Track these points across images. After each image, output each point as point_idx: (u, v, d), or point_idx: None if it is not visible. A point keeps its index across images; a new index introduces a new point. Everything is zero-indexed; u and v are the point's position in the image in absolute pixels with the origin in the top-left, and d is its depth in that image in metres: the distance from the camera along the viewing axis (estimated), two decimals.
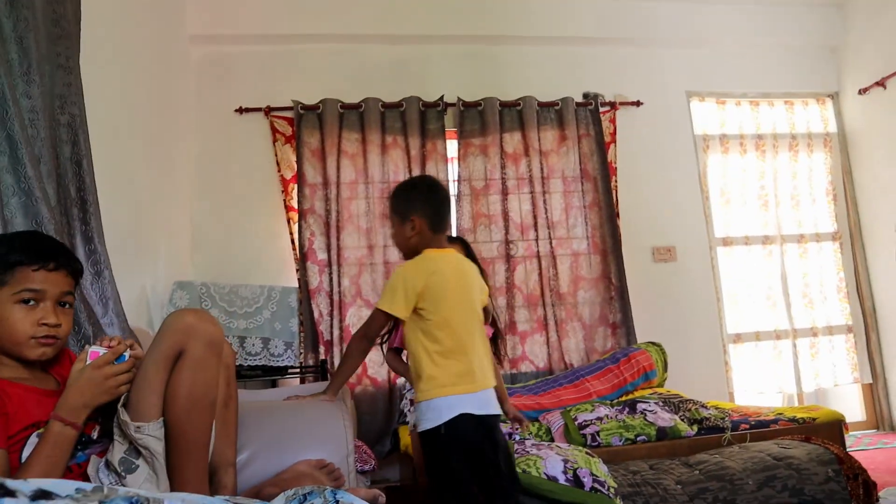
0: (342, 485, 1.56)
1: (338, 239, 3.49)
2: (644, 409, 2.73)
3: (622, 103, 3.96)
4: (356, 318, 3.41)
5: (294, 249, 3.52)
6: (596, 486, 2.02)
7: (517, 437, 2.65)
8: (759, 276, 3.99)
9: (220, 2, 3.61)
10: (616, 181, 3.85)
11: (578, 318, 3.66)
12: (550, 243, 3.68)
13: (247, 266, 3.48)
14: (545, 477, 2.02)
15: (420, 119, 3.68)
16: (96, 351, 1.23)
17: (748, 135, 4.10)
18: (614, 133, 3.91)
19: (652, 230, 3.90)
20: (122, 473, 1.22)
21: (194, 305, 2.83)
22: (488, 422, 1.77)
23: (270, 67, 3.72)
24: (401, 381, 3.27)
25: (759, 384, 3.90)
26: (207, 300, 2.90)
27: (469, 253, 2.32)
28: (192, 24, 3.54)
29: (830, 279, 4.06)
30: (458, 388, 1.72)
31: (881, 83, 3.94)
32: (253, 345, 2.92)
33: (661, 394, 3.09)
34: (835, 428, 2.72)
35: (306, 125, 3.59)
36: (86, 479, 1.23)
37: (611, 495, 2.02)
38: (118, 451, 1.23)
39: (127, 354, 1.24)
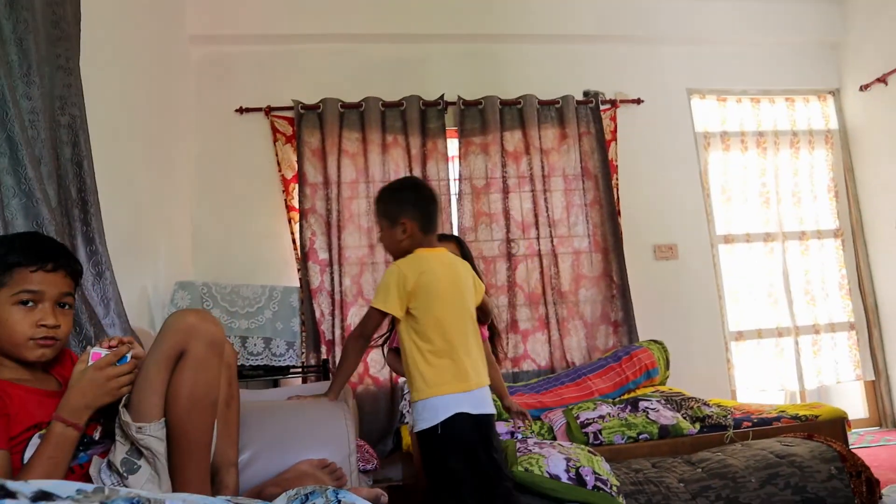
0: (344, 484, 1.56)
1: (339, 238, 3.49)
2: (646, 408, 2.72)
3: (623, 101, 3.95)
4: (358, 317, 3.41)
5: (295, 249, 3.52)
6: (598, 484, 2.02)
7: (519, 436, 2.65)
8: (761, 273, 3.98)
9: (220, 2, 3.61)
10: (617, 179, 3.85)
11: (580, 316, 3.66)
12: (552, 241, 3.68)
13: (248, 266, 3.48)
14: (547, 475, 2.02)
15: (420, 118, 3.68)
16: (98, 352, 1.23)
17: (749, 132, 4.09)
18: (615, 131, 3.91)
19: (653, 228, 3.90)
20: (124, 474, 1.22)
21: (196, 306, 2.83)
22: (484, 420, 1.77)
23: (270, 67, 3.72)
24: (402, 380, 3.27)
25: (761, 382, 3.89)
26: (209, 300, 2.90)
27: (464, 251, 2.31)
28: (192, 24, 3.54)
29: (832, 276, 4.06)
30: (452, 387, 1.72)
31: (882, 79, 3.93)
32: (255, 345, 2.92)
33: (663, 392, 3.09)
34: (837, 425, 2.71)
35: (307, 125, 3.59)
36: (88, 479, 1.24)
37: (613, 494, 2.02)
38: (120, 451, 1.23)
39: (129, 356, 1.24)
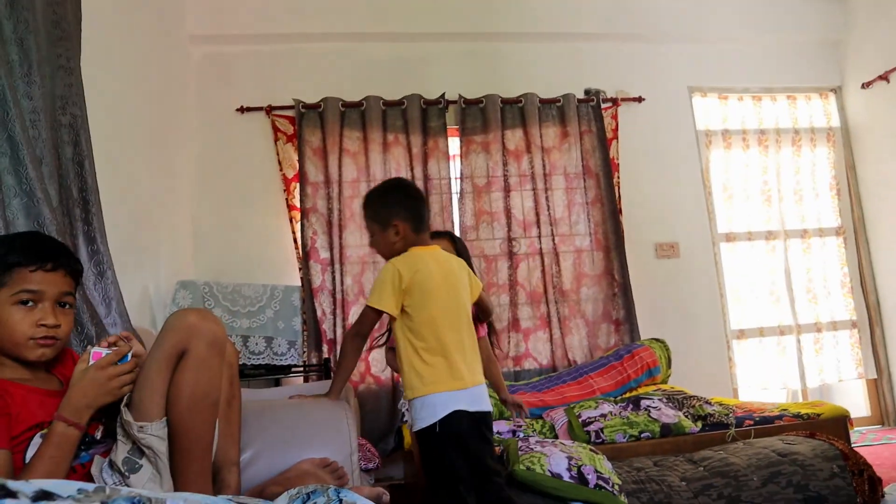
0: (346, 483, 1.56)
1: (340, 237, 3.49)
2: (648, 406, 2.72)
3: (624, 99, 3.95)
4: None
5: (297, 248, 3.52)
6: (600, 483, 2.02)
7: (521, 435, 2.65)
8: (763, 271, 3.97)
9: (221, 2, 3.61)
10: (618, 177, 3.84)
11: (581, 314, 3.65)
12: (553, 240, 3.68)
13: (249, 265, 3.48)
14: (549, 474, 2.02)
15: (421, 117, 3.68)
16: (99, 352, 1.23)
17: (751, 130, 4.08)
18: (616, 129, 3.90)
19: (654, 226, 3.89)
20: (126, 473, 1.22)
21: (197, 305, 2.83)
22: (481, 418, 1.78)
23: (271, 66, 3.72)
24: None
25: (762, 380, 3.89)
26: (210, 300, 2.90)
27: (458, 247, 2.30)
28: (193, 24, 3.54)
29: (834, 274, 4.05)
30: (447, 385, 1.72)
31: (884, 77, 3.92)
32: (256, 344, 2.92)
33: (664, 390, 3.09)
34: (839, 423, 2.71)
35: (308, 124, 3.59)
36: (89, 479, 1.24)
37: (615, 492, 2.01)
38: (122, 450, 1.23)
39: (130, 355, 1.25)
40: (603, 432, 2.58)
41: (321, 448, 1.63)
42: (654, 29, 4.00)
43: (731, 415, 2.73)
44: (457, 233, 3.58)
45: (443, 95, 3.72)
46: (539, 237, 3.67)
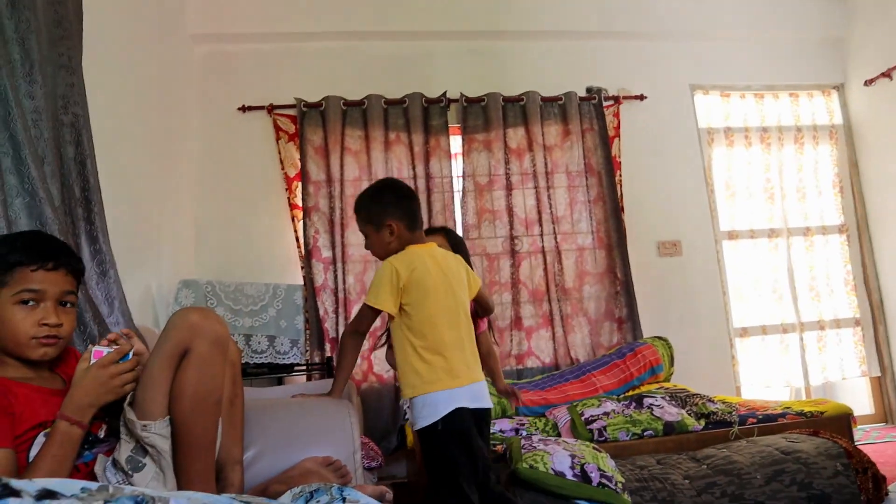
0: (349, 482, 1.56)
1: (342, 236, 3.49)
2: (651, 404, 2.72)
3: (626, 97, 3.94)
4: None
5: (299, 247, 3.52)
6: (603, 481, 2.02)
7: (524, 433, 2.65)
8: (765, 269, 3.97)
9: (222, 0, 3.61)
10: (620, 175, 3.84)
11: (584, 313, 3.65)
12: (555, 238, 3.68)
13: (252, 264, 3.48)
14: (552, 472, 2.02)
15: (423, 115, 3.67)
16: (100, 350, 1.23)
17: (753, 127, 4.07)
18: (618, 127, 3.90)
19: (657, 224, 3.88)
20: (129, 472, 1.22)
21: (200, 304, 2.83)
22: (481, 415, 1.78)
23: (273, 65, 3.72)
24: None
25: (766, 378, 3.88)
26: (213, 298, 2.91)
27: (455, 242, 2.30)
28: (194, 23, 3.54)
29: (837, 272, 4.04)
30: (446, 383, 1.73)
31: (887, 74, 3.91)
32: (259, 343, 2.92)
33: (667, 388, 3.08)
34: (843, 422, 2.71)
35: (309, 123, 3.59)
36: (93, 477, 1.24)
37: (618, 490, 2.01)
38: (125, 449, 1.23)
39: (131, 354, 1.25)
40: (606, 430, 2.58)
41: (324, 447, 1.63)
42: (656, 26, 3.99)
43: (734, 413, 2.72)
44: (459, 231, 3.58)
45: (444, 94, 3.71)
46: (541, 235, 3.66)
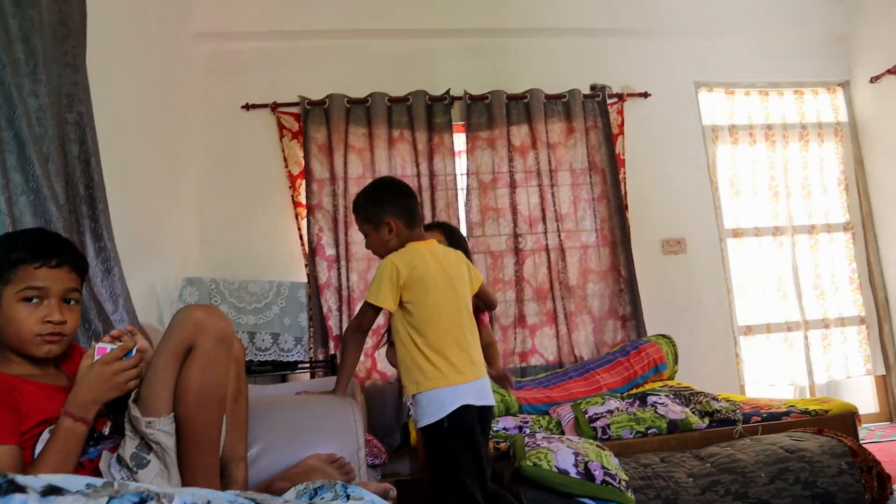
0: (353, 479, 1.56)
1: (346, 234, 3.49)
2: (655, 402, 2.71)
3: (630, 95, 3.93)
4: None
5: (302, 245, 3.52)
6: (607, 479, 2.02)
7: (527, 431, 2.65)
8: (770, 267, 3.95)
9: None
10: (624, 173, 3.83)
11: (588, 310, 3.65)
12: (559, 236, 3.67)
13: (256, 262, 3.49)
14: (556, 470, 2.02)
15: (427, 113, 3.67)
16: (104, 347, 1.23)
17: (758, 125, 4.06)
18: (622, 125, 3.89)
19: (661, 222, 3.87)
20: (134, 468, 1.22)
21: (204, 301, 2.84)
22: (485, 412, 1.78)
23: (276, 63, 3.72)
24: None
25: (770, 376, 3.87)
26: (217, 296, 2.91)
27: (454, 237, 2.29)
28: (198, 21, 3.54)
29: (842, 270, 4.02)
30: (450, 379, 1.72)
31: (893, 71, 3.88)
32: (262, 340, 2.93)
33: (671, 386, 3.08)
34: (848, 420, 2.70)
35: (313, 120, 3.59)
36: (97, 474, 1.24)
37: (622, 488, 2.01)
38: (129, 446, 1.24)
39: (135, 350, 1.25)
40: (609, 428, 2.57)
41: (328, 444, 1.63)
42: (660, 23, 3.98)
43: (738, 411, 2.72)
44: (462, 229, 3.58)
45: (448, 91, 3.71)
46: (545, 233, 3.66)
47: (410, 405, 2.85)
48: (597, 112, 3.82)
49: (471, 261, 2.03)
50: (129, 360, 1.24)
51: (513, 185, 3.68)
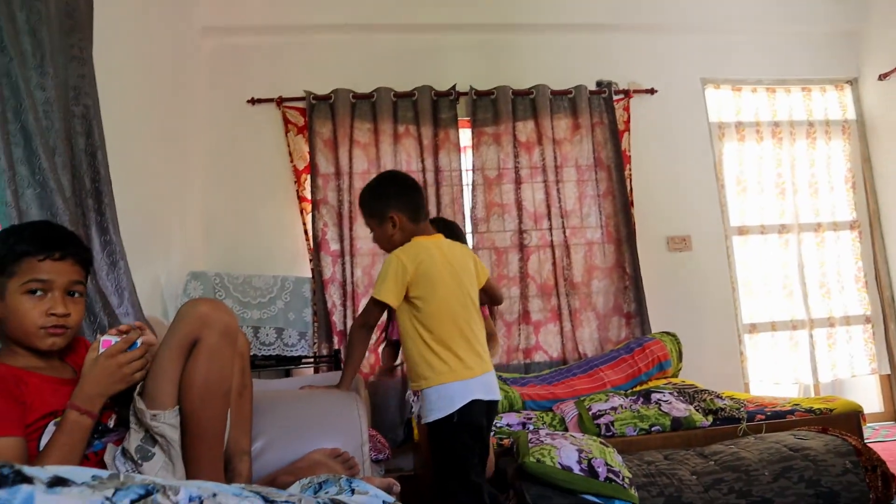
0: (357, 473, 1.56)
1: (350, 229, 3.49)
2: (659, 400, 2.71)
3: (636, 91, 3.91)
4: None
5: (307, 240, 3.52)
6: (611, 476, 2.01)
7: (531, 427, 2.65)
8: (776, 265, 3.94)
9: None
10: (630, 170, 3.82)
11: (592, 307, 3.64)
12: (564, 232, 3.66)
13: (260, 256, 3.49)
14: (560, 467, 2.02)
15: (432, 108, 3.66)
16: (108, 339, 1.23)
17: (764, 122, 4.04)
18: (628, 121, 3.87)
19: (666, 219, 3.86)
20: (139, 461, 1.23)
21: (208, 295, 2.85)
22: (492, 407, 1.78)
23: (282, 58, 3.72)
24: None
25: (774, 374, 3.86)
26: (221, 290, 2.92)
27: (453, 232, 2.29)
28: (204, 15, 3.54)
29: (848, 268, 4.00)
30: (458, 374, 1.72)
31: None
32: (267, 335, 2.93)
33: (675, 384, 3.07)
34: (852, 419, 2.69)
35: (318, 115, 3.59)
36: (102, 466, 1.25)
37: (625, 485, 2.01)
38: (134, 439, 1.24)
39: (139, 342, 1.25)
40: (613, 425, 2.57)
41: (332, 438, 1.64)
42: (667, 20, 3.96)
43: (742, 409, 2.71)
44: (467, 225, 3.58)
45: (454, 87, 3.70)
46: (550, 229, 3.65)
47: (414, 402, 2.85)
48: (603, 108, 3.81)
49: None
50: (133, 353, 1.24)
51: (518, 181, 3.67)
